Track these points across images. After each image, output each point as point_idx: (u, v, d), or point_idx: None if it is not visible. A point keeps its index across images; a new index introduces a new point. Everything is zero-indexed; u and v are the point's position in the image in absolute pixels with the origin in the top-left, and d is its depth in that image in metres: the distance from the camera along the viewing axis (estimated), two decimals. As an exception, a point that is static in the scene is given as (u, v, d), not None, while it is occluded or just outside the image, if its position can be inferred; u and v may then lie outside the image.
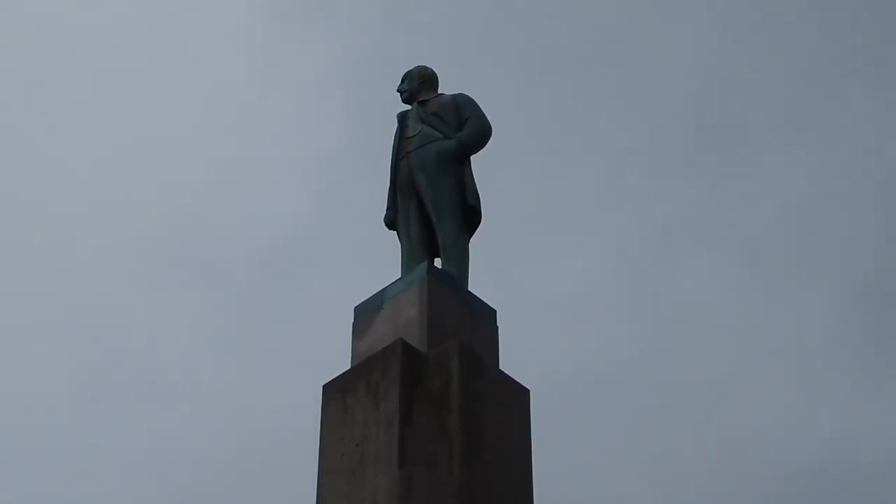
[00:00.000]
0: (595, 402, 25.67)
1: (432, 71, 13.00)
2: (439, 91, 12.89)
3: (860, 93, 29.14)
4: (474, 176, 12.27)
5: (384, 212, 12.44)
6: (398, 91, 12.95)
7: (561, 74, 29.28)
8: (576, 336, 26.25)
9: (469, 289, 11.76)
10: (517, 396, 11.12)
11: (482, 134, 12.42)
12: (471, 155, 12.35)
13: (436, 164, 12.19)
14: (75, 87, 30.10)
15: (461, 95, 12.69)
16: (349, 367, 11.25)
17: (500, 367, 11.37)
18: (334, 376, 11.17)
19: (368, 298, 11.62)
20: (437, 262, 11.96)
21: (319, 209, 27.74)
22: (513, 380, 11.20)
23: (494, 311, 11.76)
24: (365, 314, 11.53)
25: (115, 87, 29.90)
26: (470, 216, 12.09)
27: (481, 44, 27.62)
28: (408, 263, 11.93)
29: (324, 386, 11.15)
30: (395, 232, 12.36)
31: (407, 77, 12.95)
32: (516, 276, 25.00)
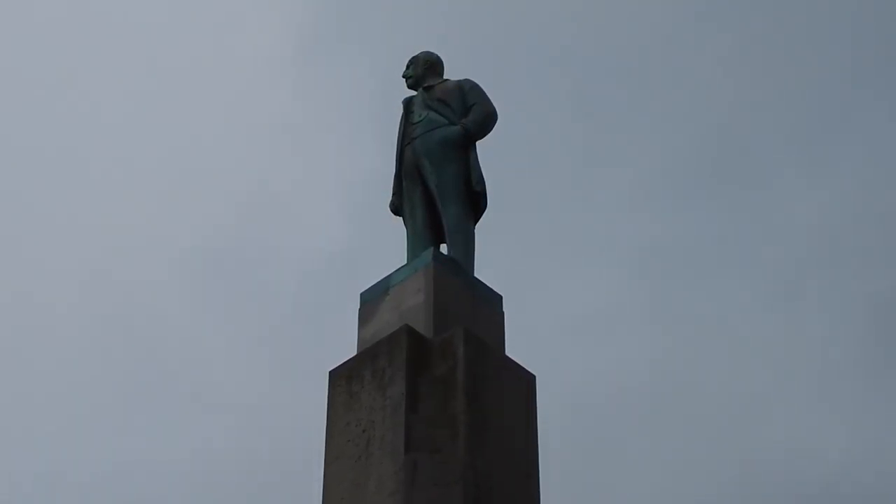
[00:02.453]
0: (610, 420, 25.68)
1: (437, 56, 12.95)
2: (444, 77, 12.84)
3: (872, 121, 29.31)
4: (479, 162, 12.26)
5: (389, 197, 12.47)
6: (403, 77, 12.90)
7: (582, 100, 29.57)
8: (592, 355, 26.30)
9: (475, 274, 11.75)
10: (523, 381, 11.12)
11: (487, 120, 12.39)
12: (476, 141, 12.33)
13: (440, 149, 12.18)
14: (126, 112, 30.80)
15: (466, 81, 12.66)
16: (355, 353, 11.24)
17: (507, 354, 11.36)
18: (340, 363, 11.17)
19: (374, 285, 11.62)
20: (443, 248, 11.94)
21: (357, 229, 27.95)
22: (518, 365, 11.19)
23: (500, 297, 11.74)
24: (370, 301, 11.52)
25: (159, 113, 30.70)
26: (475, 201, 12.08)
27: (509, 66, 27.80)
28: (413, 249, 11.92)
29: (329, 373, 11.17)
30: (400, 218, 12.36)
31: (412, 63, 12.91)
32: (535, 294, 25.06)
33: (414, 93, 12.78)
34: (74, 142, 30.45)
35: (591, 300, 27.16)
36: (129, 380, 27.59)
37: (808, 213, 28.42)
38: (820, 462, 25.35)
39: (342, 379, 11.02)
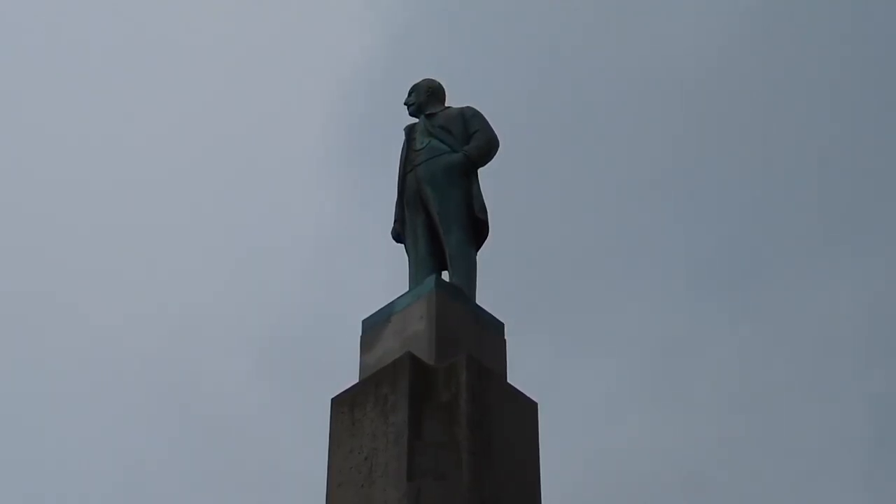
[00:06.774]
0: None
1: (439, 84, 12.97)
2: (447, 104, 12.89)
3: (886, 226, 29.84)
4: (482, 189, 12.29)
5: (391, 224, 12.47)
6: (405, 104, 12.92)
7: (607, 202, 30.36)
8: (609, 441, 26.52)
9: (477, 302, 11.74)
10: (526, 409, 11.11)
11: (489, 147, 12.42)
12: (478, 168, 12.36)
13: (443, 176, 12.18)
14: (207, 209, 32.12)
15: (468, 109, 12.68)
16: (357, 380, 11.22)
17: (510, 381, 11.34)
18: (343, 390, 11.15)
19: (376, 312, 11.59)
20: (445, 276, 11.93)
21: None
22: (521, 392, 11.18)
23: (502, 324, 11.73)
24: (373, 327, 11.50)
25: (234, 211, 31.89)
26: (477, 228, 12.09)
27: (539, 168, 28.19)
28: (415, 276, 11.92)
29: (332, 400, 11.12)
30: (402, 245, 12.37)
31: (414, 90, 12.93)
32: (555, 377, 25.33)
33: (416, 120, 12.80)
34: (148, 237, 31.46)
35: (611, 387, 27.58)
36: (194, 464, 28.21)
37: (821, 309, 28.93)
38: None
39: (345, 406, 10.98)
